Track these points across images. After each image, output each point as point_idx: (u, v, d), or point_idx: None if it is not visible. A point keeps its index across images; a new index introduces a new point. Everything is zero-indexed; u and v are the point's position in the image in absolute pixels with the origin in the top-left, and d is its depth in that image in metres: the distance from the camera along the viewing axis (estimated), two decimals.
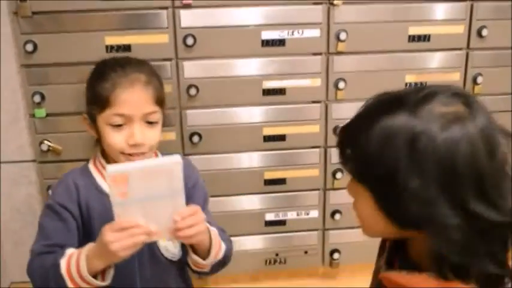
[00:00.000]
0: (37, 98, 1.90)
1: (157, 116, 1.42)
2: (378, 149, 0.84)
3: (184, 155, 2.03)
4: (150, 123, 1.40)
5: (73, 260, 1.25)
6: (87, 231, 1.41)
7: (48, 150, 1.98)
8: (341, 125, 2.16)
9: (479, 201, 0.81)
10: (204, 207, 1.47)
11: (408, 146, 0.82)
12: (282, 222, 2.19)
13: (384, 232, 0.97)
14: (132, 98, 1.36)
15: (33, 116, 1.95)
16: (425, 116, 0.83)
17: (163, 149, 1.79)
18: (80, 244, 1.33)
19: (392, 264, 1.01)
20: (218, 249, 1.39)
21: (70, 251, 1.30)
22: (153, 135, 1.41)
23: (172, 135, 2.01)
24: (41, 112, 1.94)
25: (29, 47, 1.84)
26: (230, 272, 2.07)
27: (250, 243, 2.21)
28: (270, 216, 2.17)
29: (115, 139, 1.37)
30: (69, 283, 1.25)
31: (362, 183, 0.90)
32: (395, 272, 0.97)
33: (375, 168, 0.85)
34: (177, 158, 1.13)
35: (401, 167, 0.82)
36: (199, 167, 2.02)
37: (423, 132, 0.82)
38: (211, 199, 2.07)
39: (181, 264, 1.53)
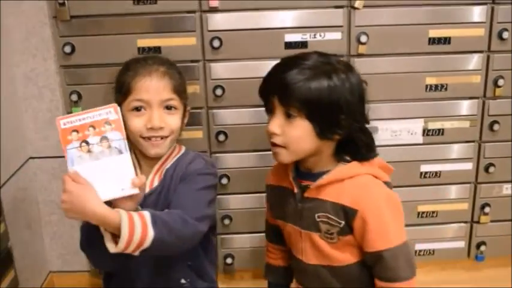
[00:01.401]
0: (74, 97, 2.02)
1: (175, 103, 1.54)
2: (326, 96, 1.38)
3: (211, 152, 2.12)
4: (168, 109, 1.51)
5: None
6: None
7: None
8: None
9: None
10: (193, 191, 1.53)
11: (348, 91, 1.40)
12: None
13: (307, 148, 1.44)
14: (150, 84, 1.50)
15: (70, 114, 2.07)
16: (345, 72, 1.43)
17: (192, 146, 1.88)
18: None
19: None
20: (141, 238, 1.32)
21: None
22: (172, 120, 1.53)
23: (199, 134, 2.09)
24: (77, 110, 2.03)
25: (67, 49, 1.96)
26: (254, 267, 2.16)
27: None
28: None
29: (135, 123, 1.50)
30: (107, 240, 1.34)
31: (307, 118, 1.39)
32: (320, 180, 1.47)
33: (323, 106, 1.38)
34: None
35: (343, 102, 1.39)
36: (225, 164, 2.12)
37: (350, 81, 1.42)
38: (235, 196, 2.17)
39: (189, 253, 1.58)
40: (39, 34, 2.02)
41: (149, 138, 1.51)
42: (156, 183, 1.58)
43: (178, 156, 1.62)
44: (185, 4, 1.94)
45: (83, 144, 1.34)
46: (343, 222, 1.45)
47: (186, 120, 1.66)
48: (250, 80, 2.02)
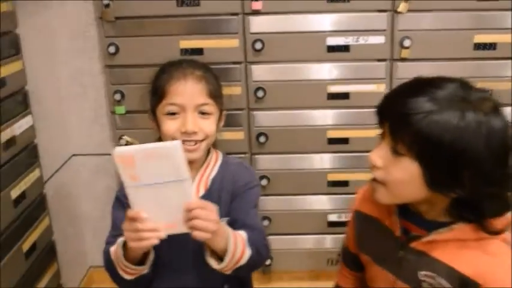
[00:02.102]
0: (118, 96, 2.06)
1: (210, 108, 1.50)
2: (450, 138, 1.03)
3: (251, 154, 2.13)
4: (203, 113, 1.50)
5: (117, 247, 1.33)
6: None
7: (126, 145, 2.11)
8: None
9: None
10: (250, 208, 1.52)
11: (483, 140, 1.04)
12: (344, 224, 2.22)
13: (413, 196, 1.15)
14: (185, 89, 1.46)
15: (113, 112, 2.11)
16: (487, 113, 1.06)
17: (232, 147, 1.89)
18: None
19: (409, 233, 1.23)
20: (240, 256, 1.32)
21: (121, 239, 1.35)
22: (206, 125, 1.49)
23: (240, 135, 2.10)
24: (120, 109, 2.09)
25: (112, 49, 2.00)
26: (293, 269, 2.16)
27: (313, 242, 2.27)
28: (332, 217, 2.22)
29: (169, 126, 1.47)
30: (118, 268, 1.34)
31: (417, 160, 1.08)
32: (436, 234, 1.16)
33: (443, 150, 1.05)
34: (176, 142, 1.19)
35: (471, 153, 1.04)
36: (265, 165, 2.12)
37: (490, 127, 1.05)
38: (275, 197, 2.17)
39: None
40: (85, 34, 2.07)
41: (182, 142, 1.49)
42: (202, 192, 1.53)
43: (220, 163, 1.60)
44: (228, 6, 1.96)
45: None
46: None
47: (221, 124, 1.64)
48: (291, 83, 2.04)
